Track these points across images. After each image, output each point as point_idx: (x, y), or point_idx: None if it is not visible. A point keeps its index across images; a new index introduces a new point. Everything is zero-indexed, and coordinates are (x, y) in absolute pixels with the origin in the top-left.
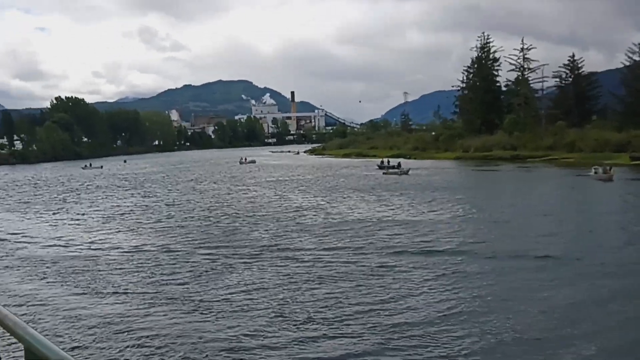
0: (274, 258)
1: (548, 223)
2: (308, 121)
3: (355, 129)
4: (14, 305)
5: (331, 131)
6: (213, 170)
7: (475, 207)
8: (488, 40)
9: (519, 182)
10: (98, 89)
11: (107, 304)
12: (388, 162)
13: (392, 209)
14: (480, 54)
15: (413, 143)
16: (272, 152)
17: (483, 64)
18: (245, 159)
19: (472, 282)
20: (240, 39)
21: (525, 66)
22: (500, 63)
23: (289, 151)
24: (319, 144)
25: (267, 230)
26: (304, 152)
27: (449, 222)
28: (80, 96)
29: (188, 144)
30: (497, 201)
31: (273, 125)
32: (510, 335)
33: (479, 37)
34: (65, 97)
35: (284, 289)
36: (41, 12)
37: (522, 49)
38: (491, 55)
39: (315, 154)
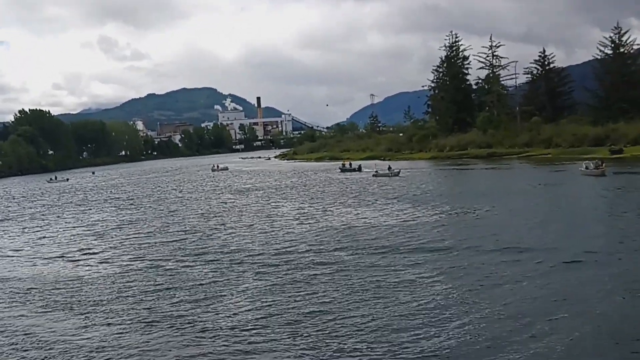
0: (269, 270)
1: (564, 222)
2: (275, 126)
3: (323, 133)
4: None
5: (299, 135)
6: (186, 179)
7: (491, 208)
8: (457, 39)
9: (509, 181)
10: (59, 100)
11: (96, 329)
12: (350, 164)
13: (399, 215)
14: (449, 53)
15: (386, 144)
16: (242, 158)
17: (452, 63)
18: (218, 167)
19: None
20: (202, 46)
21: (495, 63)
22: (470, 61)
23: (259, 157)
24: (288, 149)
25: (258, 241)
26: (275, 157)
27: (464, 223)
28: (39, 109)
29: (155, 153)
30: (502, 201)
31: (240, 132)
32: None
33: (447, 35)
34: (29, 109)
35: (286, 305)
36: None
37: (491, 47)
38: (460, 54)
39: (287, 159)
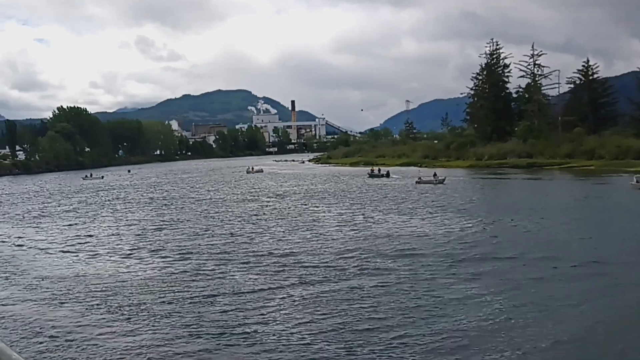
0: (314, 278)
1: (620, 238)
2: (308, 130)
3: (357, 138)
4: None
5: (332, 140)
6: (222, 180)
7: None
8: (498, 47)
9: (554, 192)
10: (96, 99)
11: (140, 334)
12: (379, 170)
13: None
14: (489, 61)
15: (422, 151)
16: (276, 161)
17: (493, 71)
18: (253, 169)
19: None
20: (238, 48)
21: (537, 72)
22: (510, 69)
23: (293, 160)
24: (321, 153)
25: (301, 247)
26: (309, 160)
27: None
28: (77, 106)
29: (189, 153)
30: (553, 214)
31: (274, 134)
32: None
33: (487, 43)
34: (68, 106)
35: (333, 317)
36: (39, 24)
37: (532, 55)
38: (501, 62)
39: (321, 163)
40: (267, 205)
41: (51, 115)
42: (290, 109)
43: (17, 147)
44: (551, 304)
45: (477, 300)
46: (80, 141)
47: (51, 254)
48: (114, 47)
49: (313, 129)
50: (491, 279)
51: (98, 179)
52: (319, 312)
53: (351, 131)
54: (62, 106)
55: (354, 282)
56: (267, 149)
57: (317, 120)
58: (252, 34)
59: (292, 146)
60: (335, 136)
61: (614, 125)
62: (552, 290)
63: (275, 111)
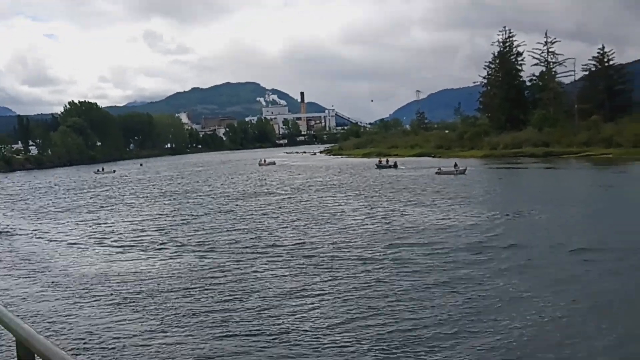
0: (343, 274)
1: None
2: (318, 121)
3: (367, 129)
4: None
5: (342, 131)
6: (235, 172)
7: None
8: (510, 34)
9: (575, 182)
10: (105, 93)
11: (167, 332)
12: (387, 161)
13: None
14: (502, 49)
15: (436, 141)
16: (287, 153)
17: (506, 59)
18: (265, 161)
19: None
20: (246, 40)
21: (550, 60)
22: (524, 57)
23: (304, 152)
24: (332, 144)
25: (325, 240)
26: (320, 152)
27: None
28: (88, 101)
29: (200, 146)
30: (586, 204)
31: (283, 126)
32: None
33: (500, 31)
34: (79, 101)
35: (363, 314)
36: (48, 19)
37: (546, 43)
38: (514, 50)
39: (333, 154)
40: (284, 199)
41: (62, 110)
42: (299, 100)
43: (30, 143)
44: (600, 299)
45: (522, 296)
46: (91, 135)
47: (72, 249)
48: (122, 41)
49: (323, 121)
50: (532, 274)
51: (110, 173)
52: (353, 310)
53: (361, 122)
54: (73, 101)
55: (386, 277)
56: (277, 141)
57: (326, 111)
58: (260, 26)
59: (302, 138)
60: (345, 127)
61: (630, 113)
62: (598, 285)
63: (285, 103)
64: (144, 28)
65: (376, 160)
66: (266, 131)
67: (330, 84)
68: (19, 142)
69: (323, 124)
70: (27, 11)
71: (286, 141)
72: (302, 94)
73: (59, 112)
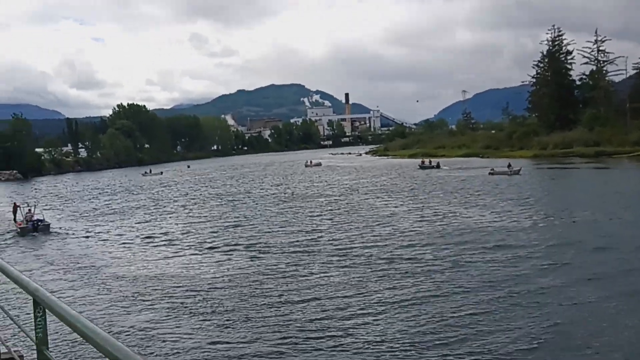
0: (401, 282)
1: None
2: (363, 122)
3: (412, 129)
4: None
5: (387, 132)
6: (282, 173)
7: None
8: (560, 33)
9: (634, 182)
10: (152, 96)
11: (225, 339)
12: (430, 162)
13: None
14: (551, 48)
15: (484, 141)
16: (332, 154)
17: (555, 58)
18: (311, 162)
19: None
20: (290, 42)
21: (600, 59)
22: (573, 56)
23: (350, 153)
24: (377, 145)
25: (380, 245)
26: (365, 153)
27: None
28: (136, 103)
29: (245, 148)
30: None
31: (328, 128)
32: None
33: (549, 30)
34: (127, 104)
35: (423, 324)
36: (95, 23)
37: (596, 41)
38: (563, 49)
39: (379, 155)
40: (334, 200)
41: (110, 113)
42: (343, 101)
43: (79, 145)
44: None
45: (591, 303)
46: (139, 138)
47: (125, 252)
48: (168, 44)
49: (367, 122)
50: (602, 281)
51: (157, 174)
52: (415, 319)
53: (405, 123)
54: (121, 104)
55: (443, 280)
56: (321, 142)
57: (371, 112)
58: (304, 28)
59: (346, 139)
60: (390, 128)
61: None
62: None
63: (329, 104)
64: (189, 31)
65: (419, 161)
66: (311, 132)
67: (373, 85)
68: (69, 144)
69: (368, 124)
70: (75, 15)
71: (331, 142)
72: (346, 95)
73: (108, 115)
